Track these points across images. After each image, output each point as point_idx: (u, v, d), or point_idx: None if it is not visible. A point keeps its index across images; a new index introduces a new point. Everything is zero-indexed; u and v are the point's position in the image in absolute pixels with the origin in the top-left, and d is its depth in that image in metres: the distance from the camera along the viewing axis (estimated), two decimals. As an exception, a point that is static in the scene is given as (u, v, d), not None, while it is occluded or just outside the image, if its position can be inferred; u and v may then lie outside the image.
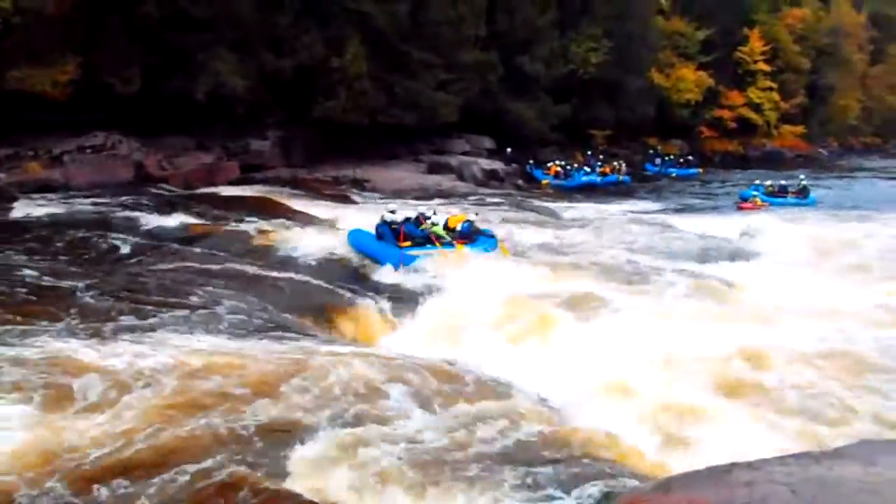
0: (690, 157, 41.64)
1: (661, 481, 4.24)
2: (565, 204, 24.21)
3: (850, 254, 16.81)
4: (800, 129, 54.39)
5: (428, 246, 12.95)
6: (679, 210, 24.80)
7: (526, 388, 7.74)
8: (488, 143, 32.98)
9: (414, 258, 12.46)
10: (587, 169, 32.42)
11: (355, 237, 13.10)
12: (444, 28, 27.67)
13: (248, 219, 15.16)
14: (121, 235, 12.88)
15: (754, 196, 25.71)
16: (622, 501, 4.21)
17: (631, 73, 39.41)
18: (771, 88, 50.90)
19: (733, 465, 4.04)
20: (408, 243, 12.75)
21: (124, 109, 20.40)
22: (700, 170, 39.94)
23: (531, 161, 32.61)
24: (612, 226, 19.37)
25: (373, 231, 13.02)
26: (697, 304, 11.58)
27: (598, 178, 31.87)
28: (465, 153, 30.87)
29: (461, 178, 27.60)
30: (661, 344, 9.29)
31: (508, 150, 32.59)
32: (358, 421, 5.64)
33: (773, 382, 8.32)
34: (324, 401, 5.91)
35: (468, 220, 14.01)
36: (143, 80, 20.17)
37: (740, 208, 25.04)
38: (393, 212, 13.23)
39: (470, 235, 13.78)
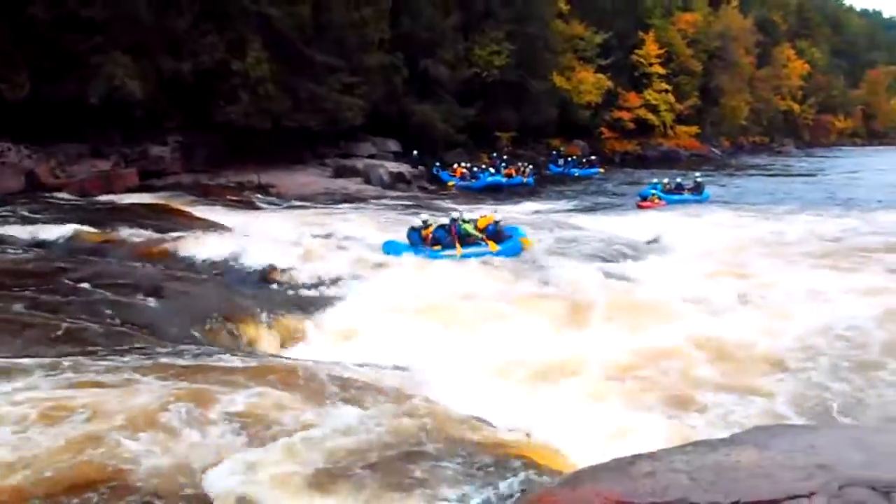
0: (593, 158, 42.52)
1: (570, 476, 4.29)
2: (472, 205, 24.42)
3: (745, 245, 17.81)
4: (694, 129, 56.53)
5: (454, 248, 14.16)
6: (582, 209, 25.41)
7: (436, 391, 7.83)
8: (394, 145, 33.02)
9: (440, 258, 13.70)
10: (492, 170, 32.75)
11: (388, 246, 14.20)
12: (348, 31, 27.52)
13: (148, 227, 14.74)
14: (7, 247, 12.33)
15: (653, 194, 26.60)
16: (532, 498, 4.23)
17: (533, 76, 40.19)
18: (666, 90, 52.74)
19: (637, 456, 4.14)
20: (437, 247, 14.00)
21: (13, 115, 19.45)
22: (601, 169, 40.81)
23: (437, 163, 32.79)
24: (519, 226, 19.76)
25: (403, 240, 14.35)
26: (601, 300, 12.00)
27: (504, 180, 32.16)
28: (371, 156, 30.81)
29: (368, 181, 27.54)
30: (566, 341, 9.58)
31: (415, 152, 32.72)
32: (262, 433, 5.59)
33: (677, 375, 8.73)
34: (230, 416, 5.83)
35: (495, 222, 15.08)
36: (33, 84, 19.33)
37: (640, 206, 25.89)
38: (425, 221, 14.47)
39: (498, 235, 14.79)
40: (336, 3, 26.96)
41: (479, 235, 14.66)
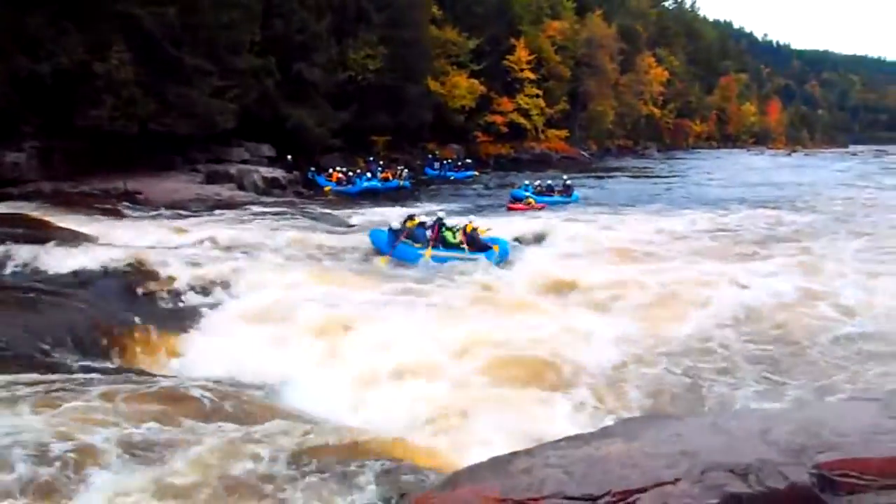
0: (468, 161, 43.34)
1: (449, 477, 4.37)
2: (349, 210, 24.41)
3: (614, 243, 18.66)
4: (564, 133, 58.54)
5: (421, 248, 15.16)
6: (459, 211, 25.79)
7: (311, 402, 7.81)
8: (268, 150, 32.37)
9: (409, 253, 14.95)
10: (369, 174, 32.79)
11: (373, 235, 16.05)
12: (218, 33, 26.83)
13: (3, 239, 13.89)
14: None
15: (528, 197, 27.43)
16: (412, 501, 4.33)
17: (408, 80, 40.46)
18: (537, 95, 54.33)
19: (514, 454, 4.27)
20: (419, 245, 15.18)
21: None
22: (476, 172, 41.69)
23: (313, 168, 32.46)
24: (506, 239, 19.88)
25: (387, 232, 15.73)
26: (468, 298, 12.31)
27: (380, 184, 32.19)
28: (244, 161, 30.05)
29: (241, 187, 26.92)
30: (432, 341, 9.73)
31: (289, 157, 32.23)
32: (130, 455, 5.43)
33: (548, 369, 9.04)
34: (103, 438, 5.64)
35: (473, 229, 15.95)
36: None
37: (510, 208, 26.68)
38: (412, 216, 16.19)
39: (474, 242, 15.58)
40: (205, 5, 26.20)
41: (459, 242, 15.44)
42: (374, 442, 6.36)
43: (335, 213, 23.65)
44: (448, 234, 15.52)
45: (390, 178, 33.41)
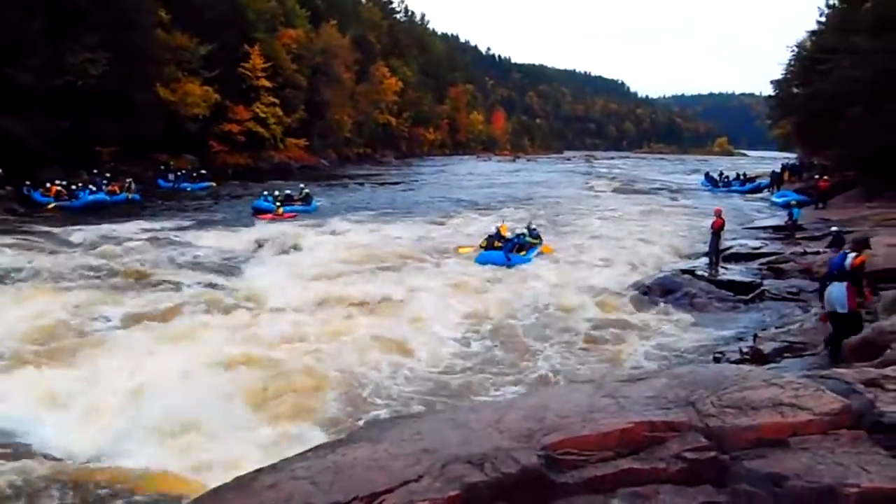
0: (204, 172, 41.73)
1: (191, 502, 4.34)
2: (72, 227, 22.53)
3: (349, 253, 19.15)
4: (303, 141, 58.50)
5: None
6: (195, 225, 24.92)
7: (45, 430, 7.35)
8: (-28, 165, 28.91)
9: (498, 258, 18.17)
10: (92, 188, 30.45)
11: (483, 258, 18.47)
12: None
13: None
14: None
15: (278, 207, 27.40)
16: None
17: (135, 87, 38.09)
18: (274, 104, 53.70)
19: (258, 471, 4.28)
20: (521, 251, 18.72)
21: None
22: (214, 183, 40.37)
23: (28, 182, 29.36)
24: (125, 247, 18.87)
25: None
26: (212, 317, 12.15)
27: (107, 197, 30.17)
28: (-57, 178, 26.68)
29: (-62, 207, 23.89)
30: (178, 364, 9.51)
31: (-1, 171, 28.95)
32: None
33: (289, 377, 9.21)
34: None
35: (531, 229, 20.56)
36: None
37: (259, 218, 26.56)
38: (490, 236, 19.34)
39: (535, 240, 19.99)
40: None
41: (524, 249, 18.92)
42: (107, 473, 6.15)
43: (55, 230, 21.80)
44: (524, 241, 19.14)
45: (118, 191, 31.44)
